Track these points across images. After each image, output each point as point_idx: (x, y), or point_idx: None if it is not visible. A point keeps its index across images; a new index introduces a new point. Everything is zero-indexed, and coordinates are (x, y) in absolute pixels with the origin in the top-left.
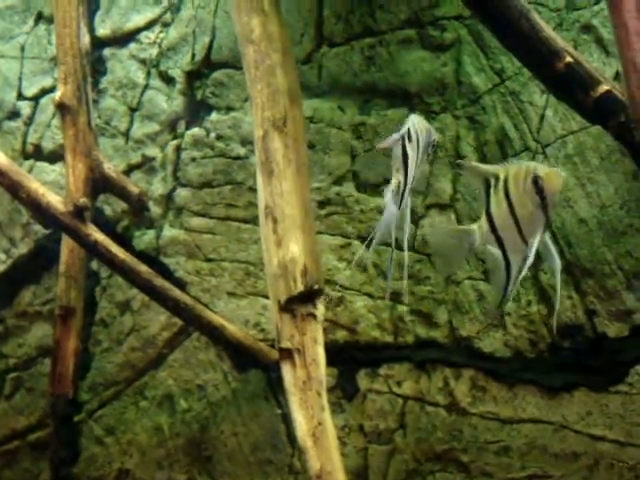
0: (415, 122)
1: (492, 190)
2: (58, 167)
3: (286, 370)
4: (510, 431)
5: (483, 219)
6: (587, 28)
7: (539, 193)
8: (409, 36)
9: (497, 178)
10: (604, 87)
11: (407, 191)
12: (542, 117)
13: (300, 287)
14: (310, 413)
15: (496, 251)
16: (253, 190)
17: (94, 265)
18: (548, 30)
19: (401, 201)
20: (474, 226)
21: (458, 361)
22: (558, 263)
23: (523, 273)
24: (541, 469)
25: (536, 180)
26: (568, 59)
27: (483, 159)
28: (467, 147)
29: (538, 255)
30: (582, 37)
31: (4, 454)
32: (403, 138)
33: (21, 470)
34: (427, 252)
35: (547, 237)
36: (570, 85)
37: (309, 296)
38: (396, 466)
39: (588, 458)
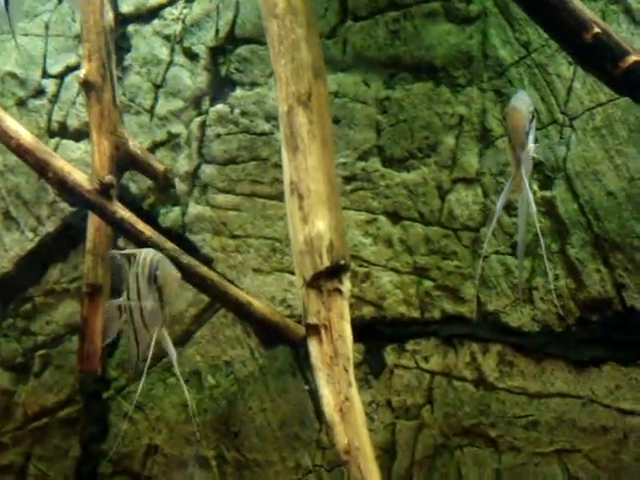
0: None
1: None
2: (83, 145)
3: (313, 346)
4: (538, 406)
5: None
6: None
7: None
8: (434, 9)
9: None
10: (633, 58)
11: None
12: (569, 89)
13: (326, 263)
14: (337, 388)
15: None
16: (278, 166)
17: (121, 242)
18: (575, 1)
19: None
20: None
21: (485, 336)
22: None
23: None
24: (570, 443)
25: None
26: (596, 30)
27: None
28: (493, 120)
29: None
30: (610, 7)
31: (34, 431)
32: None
33: (51, 446)
34: (454, 227)
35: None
36: (598, 56)
37: (335, 272)
38: (424, 441)
39: (617, 432)
